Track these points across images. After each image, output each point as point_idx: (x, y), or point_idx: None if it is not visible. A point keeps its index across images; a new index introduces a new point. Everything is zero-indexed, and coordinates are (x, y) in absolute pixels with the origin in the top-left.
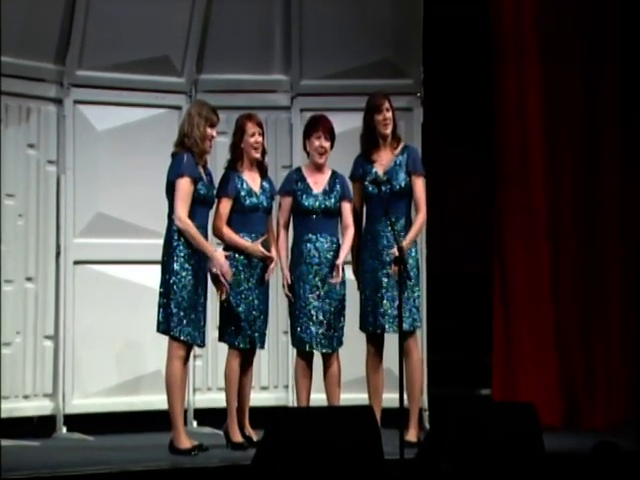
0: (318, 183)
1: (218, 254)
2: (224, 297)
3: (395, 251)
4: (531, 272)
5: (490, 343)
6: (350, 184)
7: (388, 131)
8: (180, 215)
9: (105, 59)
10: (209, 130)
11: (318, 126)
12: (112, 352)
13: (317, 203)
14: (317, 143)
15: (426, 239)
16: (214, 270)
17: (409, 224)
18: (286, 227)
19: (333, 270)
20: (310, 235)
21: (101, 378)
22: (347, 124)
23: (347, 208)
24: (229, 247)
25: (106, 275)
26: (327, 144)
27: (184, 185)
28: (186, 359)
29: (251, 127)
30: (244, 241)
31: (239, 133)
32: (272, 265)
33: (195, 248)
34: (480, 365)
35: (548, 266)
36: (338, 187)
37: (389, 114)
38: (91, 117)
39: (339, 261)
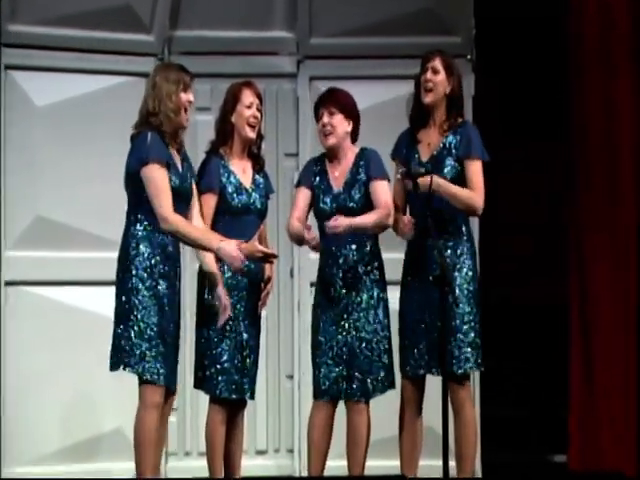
0: (339, 175)
1: (226, 244)
2: (222, 321)
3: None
4: (620, 301)
5: (565, 392)
6: (383, 163)
7: (427, 100)
8: (163, 215)
9: (46, 10)
10: (183, 95)
11: (318, 102)
12: (58, 404)
13: (336, 205)
14: (320, 122)
15: (479, 245)
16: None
17: (460, 232)
18: (300, 221)
19: (360, 290)
20: (333, 248)
21: (44, 439)
22: (372, 96)
23: (378, 187)
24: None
25: (48, 300)
26: (333, 119)
27: (155, 173)
28: (161, 408)
29: (248, 96)
30: (238, 243)
31: (231, 103)
32: (269, 286)
33: (161, 259)
34: (552, 422)
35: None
36: (362, 171)
37: (435, 77)
38: (27, 88)
39: (353, 220)
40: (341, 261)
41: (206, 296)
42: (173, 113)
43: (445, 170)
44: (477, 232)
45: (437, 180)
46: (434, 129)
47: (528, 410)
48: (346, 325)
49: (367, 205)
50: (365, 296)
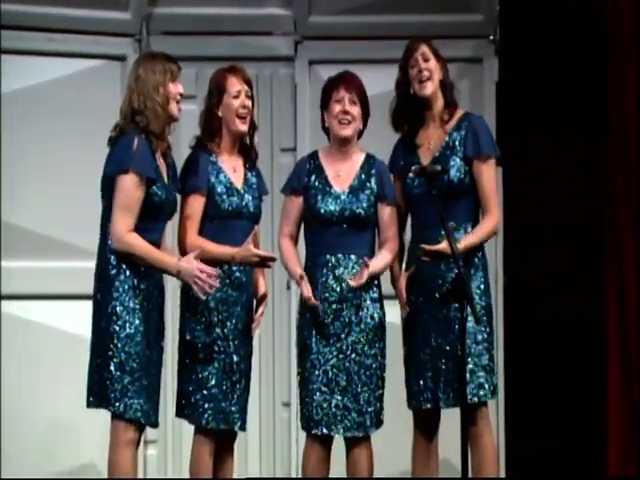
0: (342, 176)
1: (185, 262)
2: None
3: (432, 247)
4: None
5: (602, 420)
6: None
7: (427, 91)
8: (118, 231)
9: None
10: (172, 87)
11: (338, 83)
12: (28, 440)
13: (339, 208)
14: (337, 108)
15: (503, 262)
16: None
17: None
18: (292, 239)
19: (360, 308)
20: (328, 256)
21: (20, 469)
22: (380, 83)
23: (388, 213)
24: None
25: (14, 319)
26: (354, 109)
27: (130, 186)
28: (137, 445)
29: (235, 84)
30: (226, 248)
31: (216, 94)
32: (261, 309)
33: (145, 275)
34: (587, 453)
35: None
36: (374, 181)
37: (428, 65)
38: None
39: (371, 263)
40: (338, 273)
41: (190, 312)
42: (161, 108)
43: (453, 169)
44: (501, 236)
45: (463, 247)
46: (433, 126)
47: (558, 439)
48: (343, 347)
49: (374, 215)
50: (365, 315)
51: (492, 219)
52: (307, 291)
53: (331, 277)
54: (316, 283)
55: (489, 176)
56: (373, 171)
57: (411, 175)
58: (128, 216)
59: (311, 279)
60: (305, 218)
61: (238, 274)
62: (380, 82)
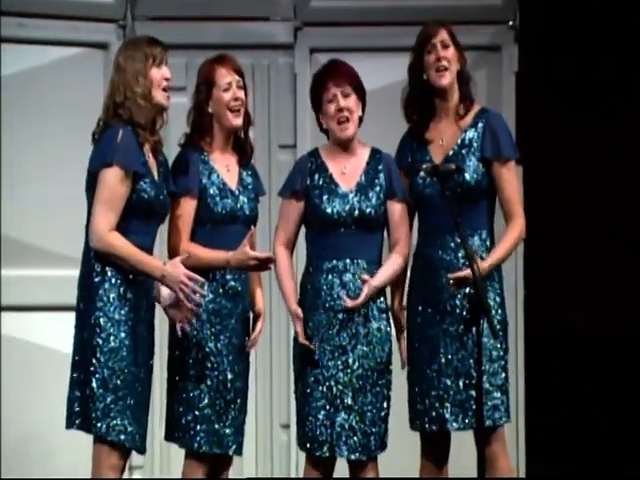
0: (348, 174)
1: (171, 266)
2: (187, 327)
3: (457, 274)
4: None
5: (636, 446)
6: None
7: (445, 81)
8: (99, 229)
9: None
10: (156, 72)
11: (326, 80)
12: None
13: (347, 208)
14: (332, 108)
15: (524, 275)
16: (171, 299)
17: (492, 244)
18: (289, 247)
19: (367, 318)
20: (334, 262)
21: None
22: (388, 73)
23: (398, 211)
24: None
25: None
26: (349, 101)
27: (114, 180)
28: (122, 471)
29: (224, 75)
30: (220, 253)
31: (204, 88)
32: (259, 325)
33: (132, 284)
34: None
35: None
36: (382, 176)
37: (447, 53)
38: None
39: (367, 277)
40: (345, 279)
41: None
42: (143, 99)
43: (470, 169)
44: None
45: (481, 266)
46: (446, 121)
47: (585, 466)
48: (349, 360)
49: (384, 215)
50: (373, 327)
51: (518, 226)
52: (300, 330)
53: (337, 284)
54: (319, 290)
55: (510, 179)
56: (381, 166)
57: (422, 174)
58: (110, 213)
59: (314, 286)
60: (307, 220)
61: (233, 283)
62: (388, 72)
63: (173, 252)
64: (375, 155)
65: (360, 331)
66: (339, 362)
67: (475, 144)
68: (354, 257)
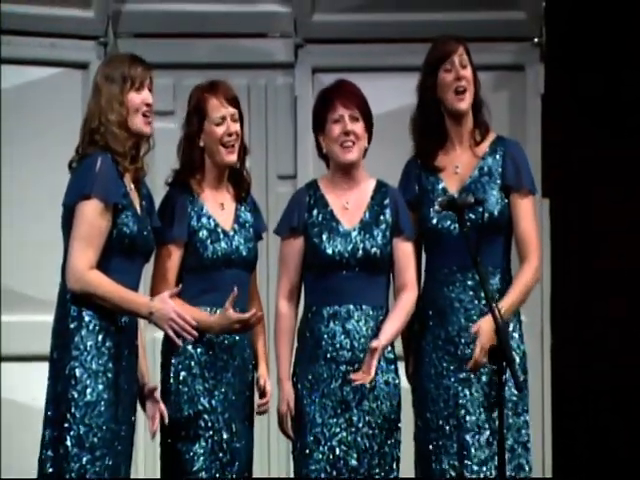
0: (351, 209)
1: (159, 301)
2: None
3: (479, 327)
4: None
5: None
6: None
7: (463, 105)
8: (76, 269)
9: None
10: (134, 96)
11: (333, 99)
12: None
13: (350, 248)
14: (337, 130)
15: (550, 317)
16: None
17: (509, 283)
18: (292, 298)
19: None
20: (336, 308)
21: None
22: (398, 95)
23: (406, 251)
24: (170, 348)
25: None
26: (357, 126)
27: (92, 213)
28: None
29: (217, 108)
30: (203, 316)
31: (195, 119)
32: (267, 387)
33: (113, 330)
34: None
35: None
36: (389, 212)
37: (467, 72)
38: None
39: (376, 343)
40: (349, 327)
41: (172, 375)
42: (118, 126)
43: (490, 202)
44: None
45: (502, 327)
46: (460, 147)
47: None
48: (354, 418)
49: (390, 254)
50: (380, 380)
51: (532, 268)
52: (287, 426)
53: (340, 332)
54: (320, 339)
55: (528, 213)
56: (387, 201)
57: (437, 207)
58: (89, 250)
59: (314, 334)
60: (306, 260)
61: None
62: (398, 94)
63: None
64: (381, 189)
65: (365, 385)
66: (342, 420)
67: (496, 173)
68: (358, 302)
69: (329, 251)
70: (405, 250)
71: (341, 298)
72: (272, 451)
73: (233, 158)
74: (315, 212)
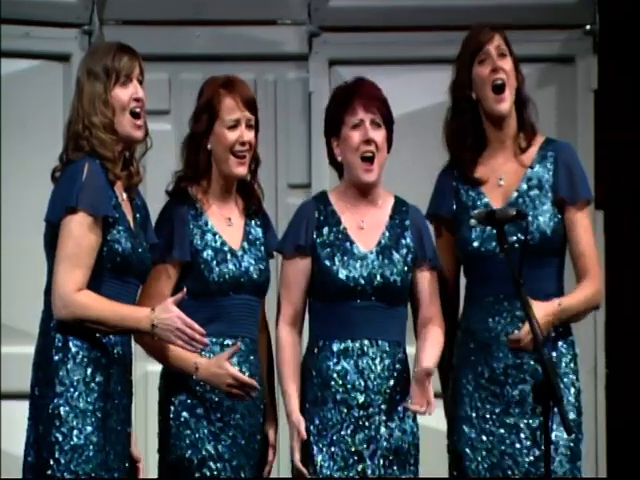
0: (367, 229)
1: (162, 311)
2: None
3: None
4: None
5: None
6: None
7: (504, 107)
8: (64, 292)
9: None
10: (121, 92)
11: (352, 100)
12: None
13: (367, 274)
14: (356, 137)
15: (605, 348)
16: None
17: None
18: (295, 324)
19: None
20: (349, 343)
21: None
22: (428, 91)
23: (431, 281)
24: (171, 373)
25: None
26: (378, 135)
27: (75, 229)
28: None
29: (232, 109)
30: (188, 356)
31: (205, 116)
32: (270, 454)
33: (103, 363)
34: None
35: None
36: (410, 236)
37: (505, 63)
38: None
39: (427, 364)
40: (362, 365)
41: (171, 416)
42: (103, 130)
43: (539, 218)
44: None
45: (559, 307)
46: (503, 154)
47: None
48: (367, 471)
49: (409, 282)
50: (398, 427)
51: (593, 284)
52: (297, 447)
53: (353, 372)
54: (328, 379)
55: (587, 228)
56: (407, 221)
57: (472, 221)
58: (77, 271)
59: (321, 373)
60: (313, 286)
61: (237, 367)
62: (429, 90)
63: (144, 338)
64: (401, 207)
65: (382, 432)
66: (354, 472)
67: (547, 184)
68: (374, 336)
69: (342, 276)
70: (430, 280)
71: (354, 331)
72: None
73: (243, 170)
74: (326, 230)
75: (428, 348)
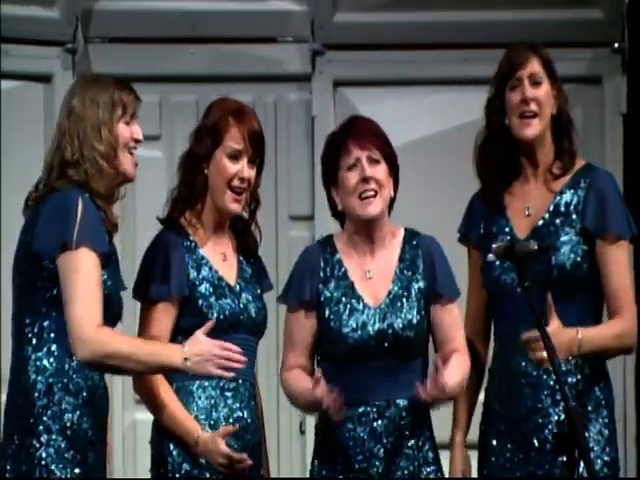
0: (375, 278)
1: (192, 344)
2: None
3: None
4: None
5: None
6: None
7: (530, 132)
8: (86, 331)
9: None
10: (123, 128)
11: (343, 139)
12: None
13: (377, 330)
14: (353, 178)
15: (635, 399)
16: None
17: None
18: (299, 375)
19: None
20: (363, 408)
21: None
22: (441, 115)
23: (451, 314)
24: (165, 433)
25: None
26: (378, 171)
27: (85, 265)
28: None
29: (237, 140)
30: (191, 425)
31: (208, 140)
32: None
33: (92, 407)
34: None
35: None
36: (420, 274)
37: (539, 91)
38: None
39: (443, 378)
40: (379, 428)
41: (170, 468)
42: (106, 160)
43: (561, 251)
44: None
45: (581, 337)
46: (534, 182)
47: None
48: None
49: (424, 331)
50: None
51: (625, 323)
52: (331, 402)
53: (369, 437)
54: (342, 448)
55: (620, 263)
56: (419, 258)
57: (490, 256)
58: (93, 307)
59: (331, 441)
60: (320, 345)
61: (239, 414)
62: (440, 113)
63: (140, 386)
64: (411, 241)
65: None
66: None
67: (573, 212)
68: (390, 397)
69: (350, 340)
70: (450, 314)
71: (368, 394)
72: None
73: (237, 208)
74: (332, 285)
75: (451, 368)
